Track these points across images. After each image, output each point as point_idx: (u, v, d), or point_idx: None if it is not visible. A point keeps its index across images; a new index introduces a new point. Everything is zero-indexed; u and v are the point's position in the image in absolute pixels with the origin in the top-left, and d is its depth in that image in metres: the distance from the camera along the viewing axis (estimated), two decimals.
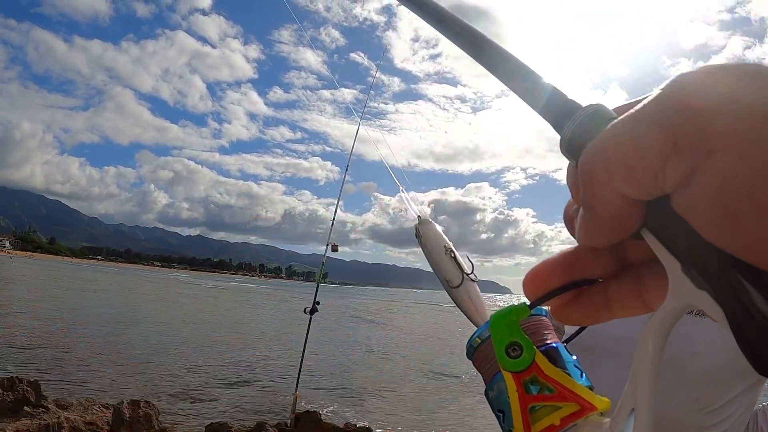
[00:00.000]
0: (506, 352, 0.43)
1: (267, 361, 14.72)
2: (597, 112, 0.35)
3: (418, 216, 1.04)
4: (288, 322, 26.56)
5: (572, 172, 0.35)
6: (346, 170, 7.87)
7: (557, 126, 0.38)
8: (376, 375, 14.27)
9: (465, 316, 0.94)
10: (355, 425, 7.32)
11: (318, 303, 7.01)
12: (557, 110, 0.38)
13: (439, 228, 1.03)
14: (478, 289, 1.00)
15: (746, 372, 1.43)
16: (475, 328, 0.66)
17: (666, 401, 1.44)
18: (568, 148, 0.36)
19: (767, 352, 0.27)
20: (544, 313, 0.60)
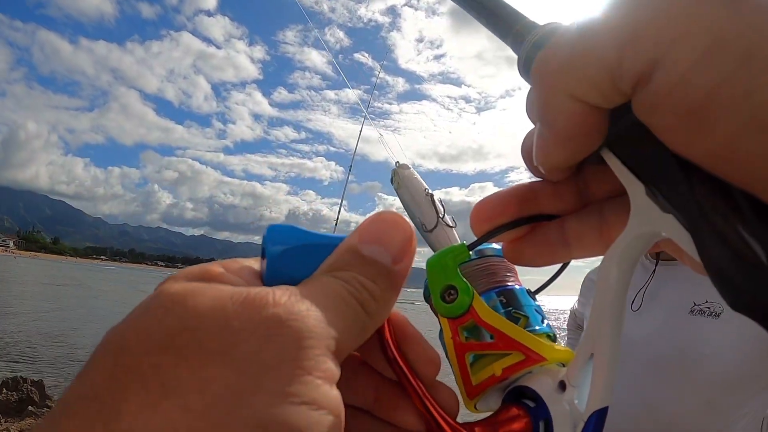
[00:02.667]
0: (442, 297, 0.39)
1: None
2: (555, 28, 0.33)
3: (397, 162, 1.03)
4: None
5: (530, 93, 0.31)
6: (350, 170, 7.84)
7: (517, 49, 0.35)
8: None
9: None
10: None
11: None
12: (517, 32, 0.35)
13: (417, 174, 1.02)
14: (456, 235, 0.98)
15: (759, 375, 1.40)
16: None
17: (676, 403, 1.42)
18: (525, 66, 0.33)
19: (742, 283, 0.23)
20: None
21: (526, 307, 0.44)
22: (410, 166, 1.02)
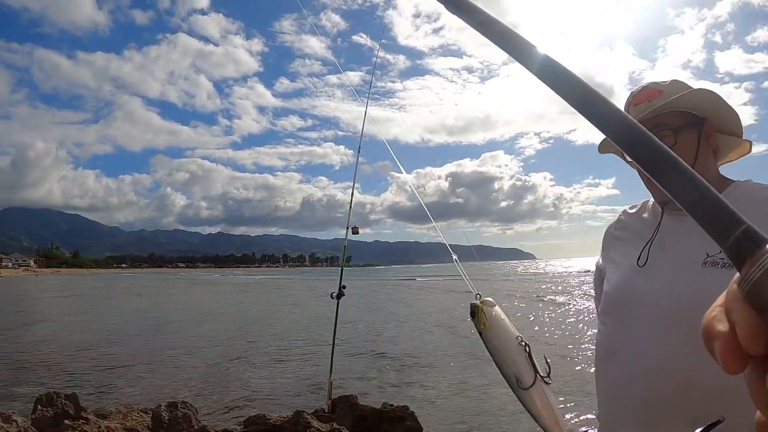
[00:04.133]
0: None
1: (300, 349, 14.82)
2: None
3: (478, 294, 0.88)
4: (317, 307, 26.75)
5: (754, 320, 0.31)
6: (359, 152, 7.77)
7: (739, 260, 0.33)
8: (409, 354, 14.29)
9: (531, 416, 0.84)
10: (393, 405, 7.32)
11: (344, 287, 6.97)
12: (741, 242, 0.33)
13: (501, 311, 0.85)
14: (552, 394, 0.85)
15: None
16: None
17: (692, 360, 1.35)
18: (757, 290, 0.31)
19: None
20: None
21: None
22: (495, 302, 0.86)
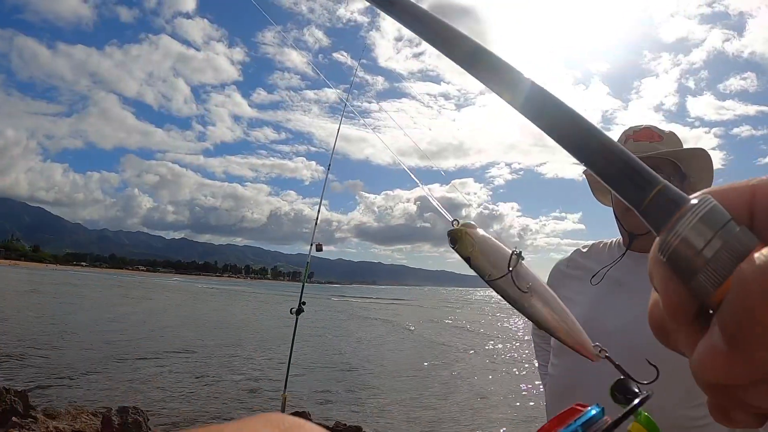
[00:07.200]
0: None
1: (255, 362, 14.71)
2: (714, 214, 0.28)
3: (455, 220, 0.76)
4: (275, 322, 26.55)
5: (668, 278, 0.30)
6: (328, 169, 7.80)
7: (658, 220, 0.30)
8: (366, 373, 14.28)
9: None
10: (345, 424, 7.35)
11: (304, 303, 6.98)
12: (658, 199, 0.31)
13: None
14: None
15: None
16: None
17: (659, 393, 1.43)
18: (679, 256, 0.29)
19: None
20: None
21: None
22: (477, 224, 0.75)
